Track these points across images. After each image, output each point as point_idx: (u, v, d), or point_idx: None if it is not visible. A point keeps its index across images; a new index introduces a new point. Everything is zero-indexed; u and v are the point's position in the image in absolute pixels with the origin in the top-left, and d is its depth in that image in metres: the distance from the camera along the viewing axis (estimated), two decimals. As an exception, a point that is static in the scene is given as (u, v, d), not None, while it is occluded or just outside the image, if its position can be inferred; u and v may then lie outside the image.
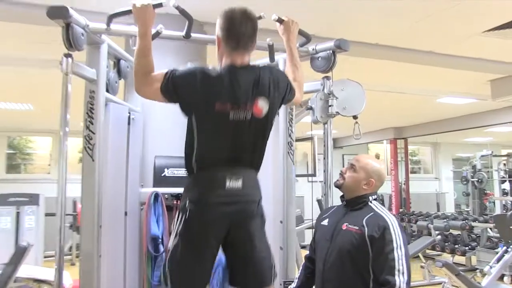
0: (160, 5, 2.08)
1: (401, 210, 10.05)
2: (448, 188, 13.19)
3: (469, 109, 8.00)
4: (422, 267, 6.84)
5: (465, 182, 10.37)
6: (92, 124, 2.36)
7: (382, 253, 1.96)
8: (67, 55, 2.15)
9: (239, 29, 2.00)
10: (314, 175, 9.51)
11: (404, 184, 10.56)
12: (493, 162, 10.95)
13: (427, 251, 7.99)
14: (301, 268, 2.45)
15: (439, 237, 7.32)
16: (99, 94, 2.39)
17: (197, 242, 2.01)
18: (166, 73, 2.02)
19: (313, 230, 2.46)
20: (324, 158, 2.63)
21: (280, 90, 2.11)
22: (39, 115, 7.71)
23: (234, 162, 2.03)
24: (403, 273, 1.91)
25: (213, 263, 2.10)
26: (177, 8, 2.18)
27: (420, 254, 6.79)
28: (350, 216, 2.14)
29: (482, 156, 10.10)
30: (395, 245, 1.95)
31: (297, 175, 9.75)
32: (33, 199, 5.99)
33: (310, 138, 9.86)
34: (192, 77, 1.98)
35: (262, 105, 2.01)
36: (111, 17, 2.23)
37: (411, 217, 8.98)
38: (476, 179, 9.90)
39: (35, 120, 8.42)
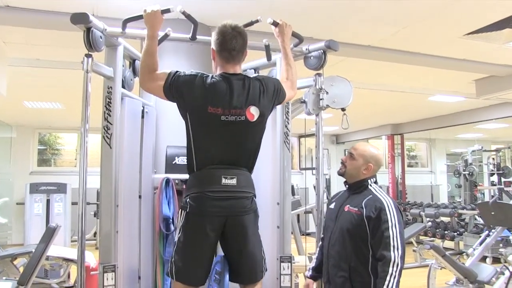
0: (167, 10, 2.18)
1: (397, 200, 10.09)
2: (442, 181, 13.18)
3: (459, 106, 8.01)
4: (414, 251, 6.90)
5: (457, 175, 10.38)
6: (110, 116, 2.45)
7: (378, 231, 2.03)
8: (88, 55, 2.25)
9: (230, 44, 2.14)
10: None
11: (400, 177, 10.58)
12: (483, 156, 10.94)
13: (420, 237, 8.03)
14: (317, 248, 2.54)
15: (430, 223, 7.37)
16: (116, 90, 2.48)
17: (197, 233, 2.11)
18: (169, 74, 2.15)
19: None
20: (316, 147, 2.71)
21: (269, 96, 2.22)
22: (67, 114, 7.87)
23: (229, 163, 2.14)
24: (397, 249, 1.99)
25: (212, 254, 2.20)
26: (183, 13, 2.28)
27: (412, 239, 6.85)
28: (352, 199, 2.22)
29: (473, 151, 10.08)
30: (390, 224, 2.03)
31: (302, 169, 9.91)
32: (61, 188, 6.17)
33: (314, 134, 9.81)
34: (191, 83, 2.11)
35: (253, 112, 2.13)
36: (125, 22, 2.33)
37: (406, 206, 9.04)
38: (468, 172, 9.90)
39: (63, 118, 8.59)
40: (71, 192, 6.24)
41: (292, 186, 4.34)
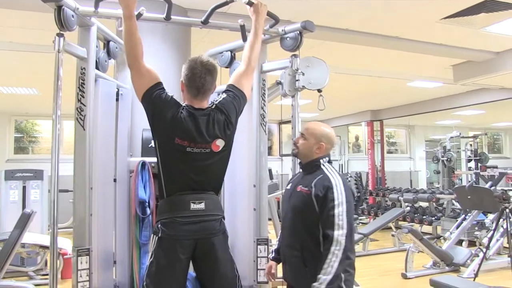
0: None
1: (376, 186, 10.22)
2: (421, 167, 13.39)
3: (438, 92, 8.11)
4: (392, 235, 7.02)
5: (436, 161, 10.57)
6: (83, 97, 2.43)
7: (325, 210, 2.02)
8: (59, 35, 2.21)
9: (199, 81, 2.18)
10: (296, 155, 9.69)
11: (380, 164, 10.70)
12: (461, 143, 11.14)
13: (399, 222, 8.16)
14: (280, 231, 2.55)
15: (408, 208, 7.47)
16: (89, 71, 2.46)
17: (169, 257, 2.14)
18: (155, 85, 2.16)
19: None
20: (292, 128, 2.71)
21: (233, 123, 2.29)
22: (43, 100, 7.68)
23: (197, 188, 2.20)
24: (342, 227, 1.96)
25: (185, 277, 2.23)
26: (157, -9, 2.25)
27: (391, 224, 6.94)
28: (305, 179, 2.20)
29: (452, 137, 10.25)
30: (336, 202, 2.00)
31: (282, 155, 9.90)
32: (37, 174, 6.05)
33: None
34: (166, 110, 2.15)
35: (219, 143, 2.21)
36: (98, 0, 2.29)
37: (385, 192, 9.16)
38: (446, 158, 10.08)
39: (40, 104, 8.39)
40: (48, 179, 6.14)
41: (270, 170, 4.33)
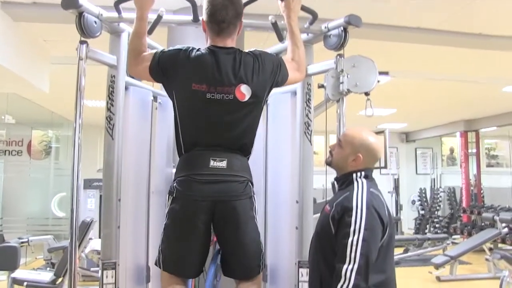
0: None
1: (471, 203, 9.24)
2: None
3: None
4: (487, 259, 6.23)
5: (545, 176, 9.34)
6: (112, 106, 2.38)
7: (338, 237, 1.67)
8: (82, 42, 2.14)
9: (220, 15, 1.94)
10: (385, 167, 8.99)
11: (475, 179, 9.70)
12: None
13: (499, 244, 7.27)
14: None
15: (506, 229, 6.58)
16: (119, 78, 2.38)
17: (183, 221, 1.95)
18: (155, 53, 2.00)
19: None
20: (337, 137, 2.39)
21: (265, 75, 1.99)
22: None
23: (219, 145, 1.95)
24: (353, 261, 1.59)
25: (203, 245, 2.00)
26: (178, -8, 2.09)
27: (484, 247, 6.17)
28: (335, 196, 1.88)
29: None
30: (352, 228, 1.63)
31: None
32: (112, 183, 6.33)
33: (382, 132, 9.24)
34: (175, 58, 1.96)
35: (244, 91, 1.92)
36: (117, 4, 2.18)
37: (480, 209, 8.23)
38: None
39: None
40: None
41: (334, 184, 3.92)
